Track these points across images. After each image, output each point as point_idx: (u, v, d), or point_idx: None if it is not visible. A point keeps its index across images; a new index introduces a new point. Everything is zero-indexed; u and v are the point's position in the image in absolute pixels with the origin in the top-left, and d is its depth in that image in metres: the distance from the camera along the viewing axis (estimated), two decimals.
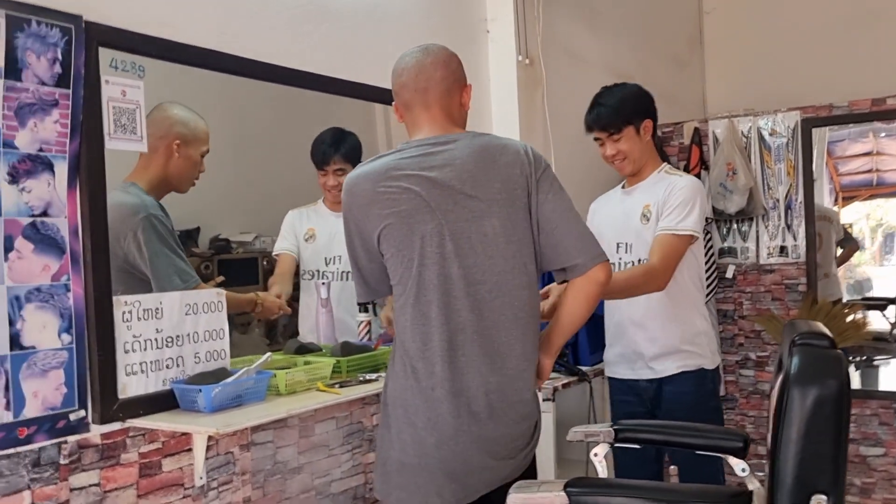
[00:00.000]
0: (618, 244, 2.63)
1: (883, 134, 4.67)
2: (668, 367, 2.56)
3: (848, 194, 4.95)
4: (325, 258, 2.73)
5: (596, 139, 2.68)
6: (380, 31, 2.74)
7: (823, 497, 1.57)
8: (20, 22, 1.72)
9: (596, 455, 2.09)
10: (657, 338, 2.55)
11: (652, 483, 2.08)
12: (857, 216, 5.02)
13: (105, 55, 1.89)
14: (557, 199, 1.84)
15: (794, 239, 3.87)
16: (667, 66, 4.80)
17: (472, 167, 1.81)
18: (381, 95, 2.61)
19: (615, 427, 2.11)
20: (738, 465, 2.00)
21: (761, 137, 3.93)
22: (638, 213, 2.61)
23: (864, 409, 3.73)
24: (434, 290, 1.76)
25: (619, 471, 2.56)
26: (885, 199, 5.14)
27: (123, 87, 1.93)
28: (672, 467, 2.28)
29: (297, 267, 2.77)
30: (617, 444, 2.10)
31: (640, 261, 2.57)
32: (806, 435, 1.62)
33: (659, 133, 4.10)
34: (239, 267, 2.71)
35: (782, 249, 3.91)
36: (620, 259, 2.62)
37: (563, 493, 1.69)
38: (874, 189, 4.91)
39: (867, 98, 3.69)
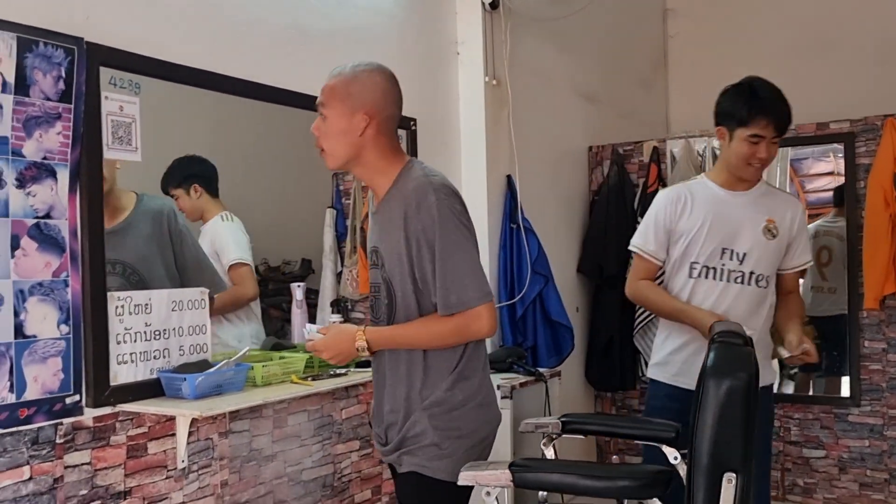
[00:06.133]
0: (723, 249, 2.48)
1: (841, 154, 4.93)
2: (766, 378, 2.48)
3: (814, 211, 5.17)
4: None
5: (754, 137, 2.40)
6: (357, 53, 2.93)
7: (734, 475, 1.77)
8: (29, 43, 1.92)
9: (545, 445, 2.31)
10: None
11: (585, 462, 2.28)
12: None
13: (105, 73, 2.09)
14: None
15: None
16: (632, 86, 5.05)
17: None
18: None
19: (563, 419, 2.32)
20: (670, 452, 2.22)
21: (715, 156, 4.17)
22: (760, 225, 2.48)
23: (807, 413, 3.98)
24: None
25: None
26: None
27: (121, 102, 2.13)
28: (614, 457, 2.50)
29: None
30: (564, 434, 2.31)
31: (752, 274, 2.48)
32: (719, 420, 1.83)
33: (620, 151, 4.36)
34: None
35: None
36: (724, 266, 2.48)
37: (507, 471, 1.90)
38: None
39: (812, 122, 3.96)
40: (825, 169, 5.12)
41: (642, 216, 4.10)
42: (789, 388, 4.30)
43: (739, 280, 2.50)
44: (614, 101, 4.74)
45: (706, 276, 2.50)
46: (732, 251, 2.48)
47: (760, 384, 2.40)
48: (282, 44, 2.67)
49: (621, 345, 4.18)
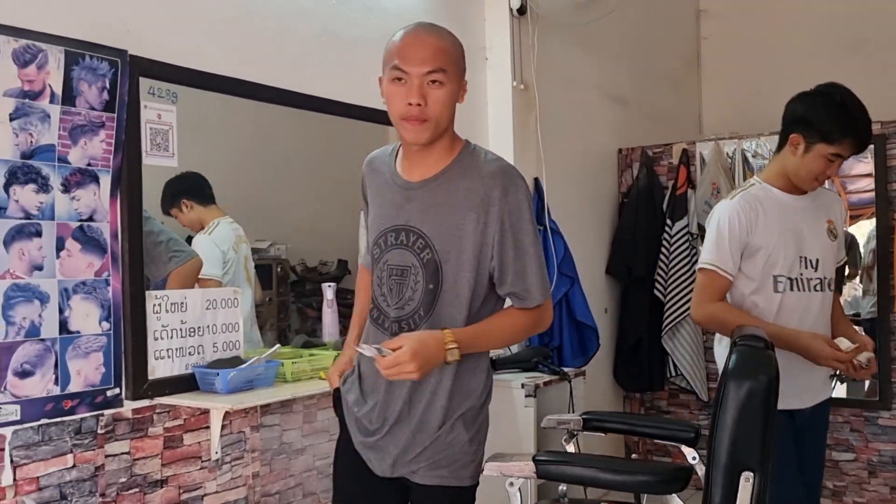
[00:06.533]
0: (801, 258, 2.35)
1: None
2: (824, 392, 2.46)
3: (855, 212, 5.12)
4: None
5: (835, 156, 2.28)
6: None
7: (751, 474, 1.82)
8: (76, 57, 2.04)
9: (567, 441, 2.37)
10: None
11: (606, 456, 2.33)
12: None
13: (144, 84, 2.20)
14: None
15: None
16: (663, 88, 5.07)
17: None
18: (384, 118, 2.90)
19: (584, 416, 2.38)
20: (689, 452, 2.26)
21: (745, 159, 4.19)
22: (823, 229, 2.40)
23: (836, 416, 3.96)
24: None
25: None
26: None
27: (159, 110, 2.25)
28: (634, 455, 2.54)
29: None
30: (584, 431, 2.37)
31: (824, 279, 2.39)
32: (738, 421, 1.87)
33: (649, 153, 4.39)
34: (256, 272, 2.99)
35: None
36: (801, 275, 2.35)
37: (531, 463, 1.97)
38: None
39: None
40: (865, 170, 5.07)
41: (671, 218, 4.20)
42: None
43: (818, 287, 2.38)
44: (645, 104, 4.77)
45: (791, 289, 2.34)
46: (807, 258, 2.35)
47: (820, 399, 2.40)
48: (312, 52, 2.77)
49: (649, 346, 4.21)
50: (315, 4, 2.75)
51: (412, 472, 1.75)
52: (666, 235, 4.21)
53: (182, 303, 2.29)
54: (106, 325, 2.12)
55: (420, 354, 1.59)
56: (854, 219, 4.80)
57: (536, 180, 3.65)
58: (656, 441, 2.47)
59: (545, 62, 3.66)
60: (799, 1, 5.07)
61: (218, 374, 2.22)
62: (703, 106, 5.55)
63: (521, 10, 3.52)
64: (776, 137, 4.08)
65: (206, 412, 2.32)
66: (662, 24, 5.04)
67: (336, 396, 1.89)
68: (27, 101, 1.95)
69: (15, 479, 1.94)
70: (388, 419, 1.75)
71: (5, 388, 1.91)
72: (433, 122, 1.65)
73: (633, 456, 2.56)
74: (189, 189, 2.72)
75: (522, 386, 2.98)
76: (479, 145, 1.81)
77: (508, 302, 1.81)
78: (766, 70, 5.13)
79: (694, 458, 2.25)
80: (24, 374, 1.95)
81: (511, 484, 1.94)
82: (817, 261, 2.36)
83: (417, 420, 1.74)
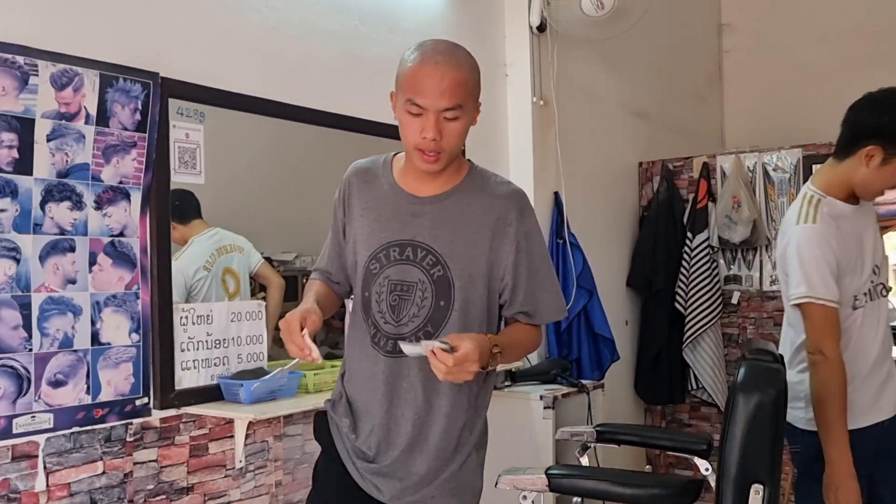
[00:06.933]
0: (874, 267, 2.28)
1: None
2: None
3: (884, 223, 5.09)
4: None
5: None
6: None
7: (761, 486, 1.85)
8: (110, 79, 2.13)
9: (581, 453, 2.41)
10: None
11: (619, 470, 2.37)
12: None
13: (173, 104, 2.29)
14: None
15: None
16: (685, 102, 5.09)
17: None
18: None
19: (597, 428, 2.42)
20: (702, 464, 2.30)
21: (766, 172, 4.20)
22: (877, 233, 2.34)
23: None
24: None
25: None
26: None
27: (187, 130, 2.33)
28: (647, 467, 2.57)
29: None
30: (598, 443, 2.41)
31: (885, 283, 2.32)
32: (747, 434, 1.91)
33: (670, 167, 4.42)
34: None
35: None
36: (873, 283, 2.27)
37: (544, 476, 2.02)
38: None
39: None
40: None
41: (692, 231, 4.22)
42: None
43: (883, 293, 2.29)
44: (666, 117, 4.79)
45: (867, 300, 2.24)
46: (877, 266, 2.27)
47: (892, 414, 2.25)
48: (335, 71, 2.84)
49: (670, 358, 4.23)
50: (337, 26, 2.83)
51: (431, 497, 1.70)
52: (686, 248, 4.23)
53: (208, 315, 2.37)
54: (135, 336, 2.20)
55: (481, 353, 1.53)
56: (884, 229, 4.77)
57: (556, 194, 3.70)
58: (678, 455, 2.49)
59: (565, 77, 3.71)
60: (822, 13, 5.06)
61: (242, 385, 2.30)
62: (726, 119, 5.56)
63: (541, 28, 3.58)
64: (796, 151, 4.15)
65: (230, 422, 2.39)
66: (684, 37, 5.06)
67: (318, 422, 1.82)
68: (63, 122, 2.05)
69: (48, 485, 2.02)
70: (395, 443, 1.69)
71: (39, 397, 2.00)
72: (447, 154, 1.62)
73: (647, 468, 2.59)
74: (173, 211, 2.56)
75: (541, 398, 3.03)
76: (481, 166, 1.79)
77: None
78: (788, 83, 5.14)
79: (707, 470, 2.29)
80: (57, 383, 2.04)
81: (524, 497, 1.99)
82: (879, 266, 2.28)
83: (434, 447, 1.68)
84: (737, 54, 5.51)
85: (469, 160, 1.77)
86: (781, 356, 2.07)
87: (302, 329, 1.57)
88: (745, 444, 1.92)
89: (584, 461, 2.37)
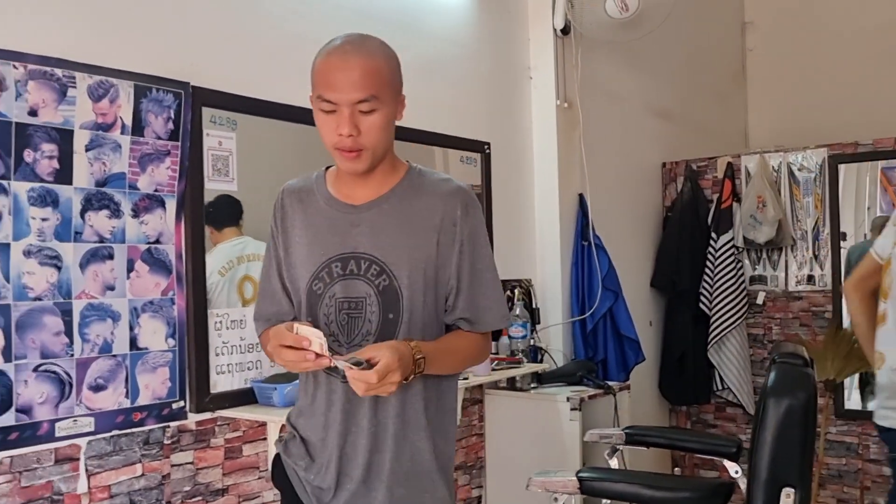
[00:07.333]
0: None
1: None
2: None
3: None
4: None
5: None
6: (434, 81, 3.15)
7: (792, 490, 1.86)
8: (144, 90, 2.18)
9: (608, 455, 2.43)
10: None
11: (649, 473, 2.38)
12: None
13: (206, 113, 2.34)
14: None
15: (822, 268, 4.11)
16: (708, 101, 5.08)
17: None
18: (436, 139, 3.05)
19: (626, 430, 2.43)
20: (731, 467, 2.30)
21: (791, 172, 4.19)
22: None
23: None
24: None
25: None
26: None
27: (220, 138, 2.38)
28: (676, 469, 2.58)
29: None
30: (627, 446, 2.42)
31: None
32: (778, 437, 1.92)
33: (694, 167, 4.42)
34: None
35: (810, 278, 4.15)
36: None
37: (575, 479, 2.04)
38: None
39: (891, 136, 3.92)
40: None
41: (716, 232, 4.21)
42: (868, 406, 4.24)
43: None
44: (689, 117, 4.79)
45: None
46: None
47: None
48: None
49: (695, 359, 4.23)
50: (365, 32, 2.85)
51: None
52: (711, 249, 4.23)
53: (241, 320, 2.41)
54: (171, 341, 2.25)
55: (402, 362, 1.39)
56: None
57: (581, 196, 3.71)
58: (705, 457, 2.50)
59: (589, 79, 3.72)
60: (845, 11, 5.04)
61: (275, 389, 2.33)
62: (749, 119, 5.54)
63: (565, 30, 3.60)
64: (821, 151, 4.13)
65: (263, 425, 2.43)
66: (707, 37, 5.05)
67: (274, 465, 1.68)
68: (101, 132, 2.10)
69: (89, 488, 2.07)
70: (353, 475, 1.55)
71: (81, 402, 2.05)
72: (370, 151, 1.49)
73: (676, 471, 2.60)
74: (206, 216, 2.60)
75: (567, 399, 3.04)
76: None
77: None
78: (812, 81, 5.12)
79: (736, 472, 2.29)
80: (97, 388, 2.08)
81: (555, 500, 2.01)
82: None
83: (392, 473, 1.54)
84: (760, 53, 5.49)
85: (407, 161, 1.64)
86: (812, 359, 2.08)
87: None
88: (775, 448, 1.93)
89: (614, 463, 2.39)
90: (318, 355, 1.38)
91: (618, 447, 2.41)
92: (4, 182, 1.92)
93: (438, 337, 1.58)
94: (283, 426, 1.70)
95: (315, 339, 1.37)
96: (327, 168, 1.67)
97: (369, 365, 1.36)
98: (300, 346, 1.38)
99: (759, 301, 4.27)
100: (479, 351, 1.64)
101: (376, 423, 1.54)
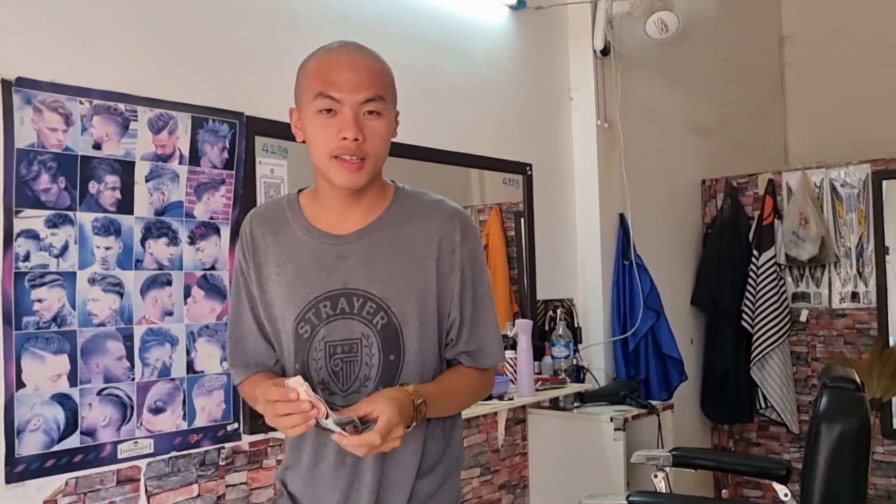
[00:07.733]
0: None
1: None
2: None
3: None
4: None
5: None
6: (478, 105, 3.19)
7: None
8: (200, 121, 2.25)
9: (656, 476, 2.43)
10: None
11: (699, 497, 2.39)
12: None
13: (259, 142, 2.40)
14: None
15: (866, 285, 4.07)
16: (747, 117, 5.06)
17: None
18: (479, 162, 3.10)
19: (673, 452, 2.44)
20: (781, 489, 2.30)
21: (833, 188, 4.16)
22: None
23: None
24: None
25: None
26: None
27: (272, 166, 2.44)
28: (724, 491, 2.58)
29: None
30: (674, 467, 2.43)
31: None
32: (831, 463, 1.92)
33: (734, 184, 4.41)
34: None
35: (854, 295, 4.11)
36: None
37: (625, 502, 2.05)
38: None
39: None
40: None
41: (757, 249, 4.19)
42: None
43: None
44: (728, 133, 4.78)
45: None
46: None
47: None
48: (408, 102, 2.90)
49: (737, 377, 4.21)
50: (410, 60, 2.91)
51: None
52: (752, 266, 4.21)
53: None
54: (225, 365, 2.31)
55: (403, 413, 1.25)
56: None
57: (622, 216, 3.73)
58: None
59: (628, 99, 3.74)
60: (884, 23, 4.99)
61: None
62: (789, 134, 5.51)
63: (605, 51, 3.62)
64: (865, 166, 4.09)
65: None
66: (745, 52, 5.04)
67: None
68: (160, 163, 2.17)
69: None
70: None
71: (141, 424, 2.12)
72: (372, 161, 1.36)
73: (724, 493, 2.59)
74: None
75: (611, 419, 3.05)
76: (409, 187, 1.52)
77: None
78: (852, 96, 5.08)
79: (786, 496, 2.29)
80: (157, 410, 2.15)
81: None
82: None
83: None
84: (799, 67, 5.46)
85: (392, 180, 1.49)
86: (863, 383, 2.07)
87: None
88: (828, 473, 1.93)
89: (660, 484, 2.39)
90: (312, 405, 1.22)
91: (665, 468, 2.42)
92: (71, 213, 2.00)
93: (438, 375, 1.44)
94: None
95: (300, 388, 1.22)
96: (299, 191, 1.51)
97: (364, 421, 1.23)
98: (287, 399, 1.23)
99: (803, 318, 4.24)
100: (483, 388, 1.51)
101: (382, 474, 1.39)
